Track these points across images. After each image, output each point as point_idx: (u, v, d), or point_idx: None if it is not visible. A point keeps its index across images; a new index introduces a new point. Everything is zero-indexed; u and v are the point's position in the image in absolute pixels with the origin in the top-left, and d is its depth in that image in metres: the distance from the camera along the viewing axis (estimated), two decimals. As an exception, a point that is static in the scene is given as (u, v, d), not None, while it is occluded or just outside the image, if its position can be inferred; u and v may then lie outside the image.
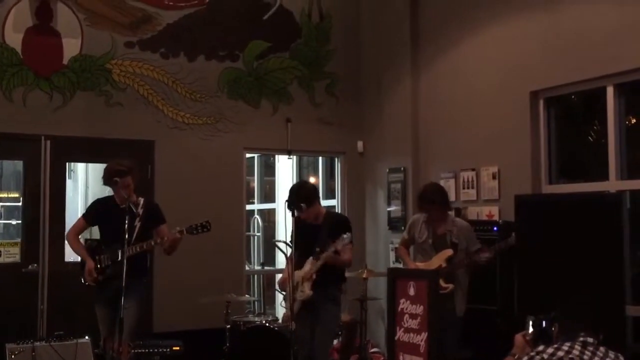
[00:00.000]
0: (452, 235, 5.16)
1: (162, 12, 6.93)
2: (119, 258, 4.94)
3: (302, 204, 5.03)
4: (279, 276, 5.96)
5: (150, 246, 5.16)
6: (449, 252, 5.13)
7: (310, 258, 5.07)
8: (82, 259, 5.28)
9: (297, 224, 5.07)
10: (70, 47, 6.57)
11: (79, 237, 5.45)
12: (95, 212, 5.40)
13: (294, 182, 8.74)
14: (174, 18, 6.97)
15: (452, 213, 5.55)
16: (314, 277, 5.00)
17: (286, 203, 5.10)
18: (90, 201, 8.72)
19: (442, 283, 4.99)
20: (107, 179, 5.26)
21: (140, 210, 5.22)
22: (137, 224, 5.18)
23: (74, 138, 6.56)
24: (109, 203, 5.28)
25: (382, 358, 6.60)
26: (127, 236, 4.81)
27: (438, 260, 5.14)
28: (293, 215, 5.05)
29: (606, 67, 5.11)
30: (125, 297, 4.69)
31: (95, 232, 5.78)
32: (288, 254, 5.23)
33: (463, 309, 5.16)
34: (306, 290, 5.03)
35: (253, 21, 7.35)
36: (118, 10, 6.78)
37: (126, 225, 4.81)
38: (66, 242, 5.70)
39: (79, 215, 8.71)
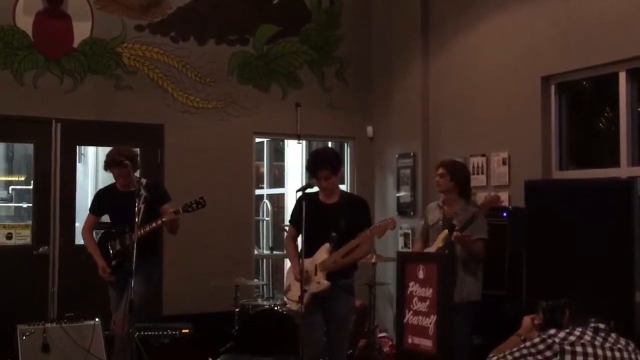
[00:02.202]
0: (456, 218, 4.97)
1: (172, -5, 6.92)
2: (127, 242, 5.14)
3: (327, 169, 4.57)
4: (288, 263, 5.43)
5: (154, 227, 5.18)
6: (444, 233, 4.97)
7: (327, 245, 4.60)
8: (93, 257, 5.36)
9: (308, 201, 4.49)
10: (81, 31, 6.57)
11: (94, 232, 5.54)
12: (98, 203, 5.45)
13: (304, 167, 8.76)
14: (184, 1, 6.95)
15: (468, 200, 5.24)
16: (331, 266, 4.56)
17: (310, 166, 4.66)
18: (100, 184, 8.79)
19: (321, 278, 4.66)
20: (107, 166, 5.37)
21: (143, 193, 5.24)
22: (142, 206, 5.13)
23: (84, 121, 6.58)
24: (111, 190, 5.32)
25: (390, 343, 6.62)
26: (137, 219, 4.86)
27: (437, 243, 5.05)
28: (308, 185, 4.56)
29: (618, 53, 5.07)
30: (135, 277, 4.79)
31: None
32: (290, 233, 4.87)
33: (466, 297, 4.89)
34: (322, 281, 4.56)
35: (263, 5, 7.32)
36: (128, -6, 6.78)
37: (137, 208, 4.85)
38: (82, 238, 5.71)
39: (89, 198, 8.78)
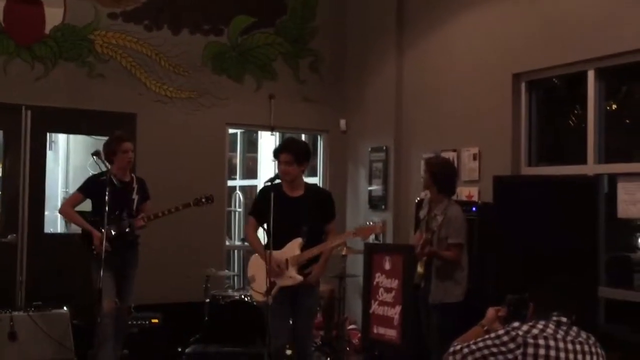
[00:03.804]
0: (434, 221, 4.91)
1: (146, -17, 6.87)
2: (127, 229, 5.30)
3: (290, 153, 4.61)
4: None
5: (165, 214, 5.41)
6: (423, 231, 4.98)
7: (299, 240, 4.61)
8: (84, 230, 5.28)
9: (274, 193, 4.51)
10: (53, 17, 6.50)
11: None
12: (93, 186, 5.32)
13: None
14: (158, -10, 6.91)
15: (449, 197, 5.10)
16: (304, 261, 4.61)
17: (275, 149, 4.71)
18: (71, 172, 8.73)
19: (418, 267, 4.83)
20: (110, 147, 5.36)
21: (135, 185, 5.35)
22: (135, 197, 5.42)
23: (55, 109, 6.51)
24: (105, 178, 5.16)
25: (359, 335, 6.67)
26: (134, 208, 5.38)
27: (418, 237, 5.04)
28: (277, 176, 4.63)
29: (587, 52, 5.15)
30: (131, 266, 5.37)
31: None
32: (250, 225, 4.85)
33: (439, 297, 4.80)
34: (295, 276, 4.59)
35: (238, -5, 7.31)
36: (102, -19, 6.71)
37: (133, 197, 5.38)
38: (60, 214, 5.72)
39: (59, 186, 8.66)
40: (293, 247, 4.64)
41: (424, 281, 4.92)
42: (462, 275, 4.91)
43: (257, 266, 4.78)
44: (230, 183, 8.33)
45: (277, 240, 4.50)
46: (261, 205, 4.69)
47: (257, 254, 4.83)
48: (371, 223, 4.70)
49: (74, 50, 6.56)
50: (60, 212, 5.67)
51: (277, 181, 4.66)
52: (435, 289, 4.84)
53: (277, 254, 4.55)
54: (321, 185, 7.81)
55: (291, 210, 4.58)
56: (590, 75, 5.25)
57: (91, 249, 5.14)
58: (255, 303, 5.31)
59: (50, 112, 6.51)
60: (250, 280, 4.85)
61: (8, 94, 6.30)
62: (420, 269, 4.91)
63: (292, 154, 4.65)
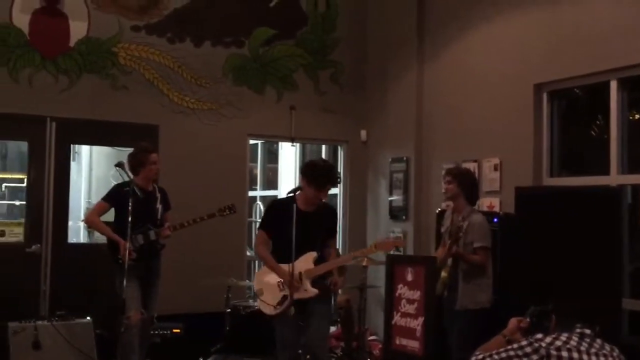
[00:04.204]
0: (459, 228, 4.95)
1: (169, -4, 6.95)
2: (152, 238, 5.38)
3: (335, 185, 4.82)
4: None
5: (192, 223, 5.52)
6: (446, 243, 5.01)
7: (313, 253, 4.74)
8: (110, 239, 5.31)
9: (286, 207, 4.63)
10: (77, 30, 6.59)
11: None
12: (118, 195, 5.34)
13: (298, 170, 8.80)
14: (181, 3, 6.99)
15: (474, 205, 5.23)
16: (317, 274, 4.73)
17: (322, 180, 4.73)
18: (94, 183, 8.83)
19: (442, 272, 4.91)
20: (138, 158, 5.43)
21: (158, 194, 5.42)
22: (159, 206, 5.50)
23: (79, 120, 6.59)
24: (130, 187, 5.19)
25: (380, 345, 6.65)
26: (158, 218, 5.48)
27: (441, 251, 5.11)
28: (299, 188, 4.73)
29: (610, 62, 5.12)
30: (155, 275, 5.47)
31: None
32: (262, 239, 4.88)
33: (466, 304, 4.87)
34: (310, 289, 4.68)
35: (259, 8, 7.36)
36: (125, -6, 6.81)
37: (157, 206, 5.49)
38: (86, 223, 5.77)
39: (82, 197, 8.75)
40: (307, 261, 4.73)
41: (447, 290, 4.95)
42: (487, 282, 4.96)
43: (265, 279, 4.86)
44: (250, 194, 8.37)
45: (289, 253, 4.54)
46: (273, 218, 4.82)
47: (264, 267, 4.92)
48: (391, 236, 4.74)
49: (98, 63, 6.65)
50: (86, 221, 5.72)
51: (285, 196, 4.78)
52: (462, 295, 4.89)
53: (288, 266, 4.61)
54: (342, 195, 7.84)
55: (303, 225, 4.60)
56: (613, 85, 5.22)
57: (117, 258, 5.16)
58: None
59: (74, 123, 6.60)
60: (259, 294, 4.88)
61: (33, 106, 6.40)
62: (444, 273, 4.94)
63: (335, 185, 4.89)
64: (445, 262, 4.97)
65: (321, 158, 7.19)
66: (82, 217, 8.36)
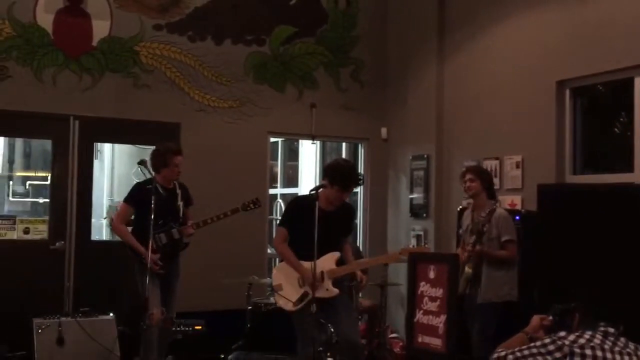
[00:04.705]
0: (483, 222, 5.02)
1: (190, -5, 6.99)
2: (175, 237, 5.37)
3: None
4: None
5: (215, 220, 5.47)
6: (471, 238, 5.06)
7: (336, 254, 4.81)
8: (136, 251, 5.24)
9: (309, 206, 4.61)
10: (100, 29, 6.65)
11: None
12: (139, 195, 5.32)
13: (318, 167, 8.82)
14: (202, 2, 7.02)
15: (495, 202, 5.27)
16: (339, 275, 4.80)
17: (347, 182, 4.74)
18: (116, 181, 8.91)
19: (466, 267, 4.96)
20: (163, 158, 5.38)
21: (179, 191, 5.42)
22: (180, 203, 5.46)
23: (101, 119, 6.65)
24: (151, 186, 5.17)
25: (401, 343, 6.65)
26: (180, 215, 5.44)
27: (461, 251, 5.13)
28: (322, 186, 4.71)
29: (634, 58, 5.07)
30: (175, 275, 5.42)
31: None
32: (282, 236, 4.89)
33: (489, 297, 4.97)
34: (332, 289, 4.76)
35: (280, 6, 7.38)
36: (147, -7, 6.85)
37: (179, 203, 5.43)
38: (114, 231, 5.69)
39: (105, 195, 8.81)
40: (330, 260, 4.78)
41: (470, 287, 4.96)
42: (513, 275, 5.03)
43: (284, 275, 4.89)
44: (271, 192, 8.39)
45: (310, 251, 4.51)
46: (294, 216, 4.86)
47: (282, 263, 4.96)
48: (420, 246, 4.82)
49: (120, 62, 6.71)
50: (114, 229, 5.63)
51: (308, 194, 4.75)
52: (486, 288, 4.97)
53: (310, 264, 4.61)
54: (362, 193, 7.84)
55: (325, 224, 4.58)
56: (637, 82, 5.17)
57: (140, 257, 5.18)
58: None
59: (97, 122, 6.66)
60: (277, 289, 4.90)
61: (57, 105, 6.47)
62: (468, 269, 4.97)
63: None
64: (468, 260, 4.99)
65: (343, 158, 7.20)
66: (105, 214, 8.47)
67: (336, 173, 4.74)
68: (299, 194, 9.22)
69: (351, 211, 5.12)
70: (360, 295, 6.07)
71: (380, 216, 7.78)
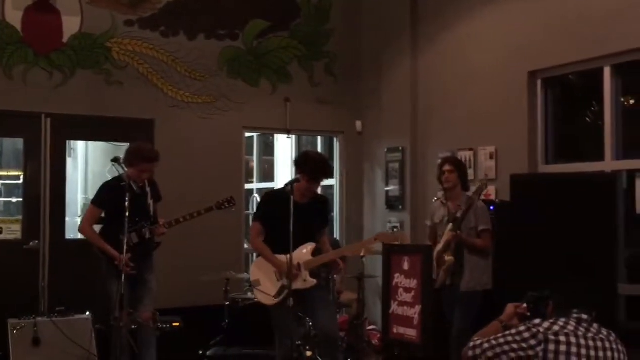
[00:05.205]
0: (459, 211, 5.06)
1: (162, -10, 6.92)
2: (146, 236, 5.24)
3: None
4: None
5: (187, 219, 5.35)
6: (449, 226, 5.08)
7: (312, 245, 4.84)
8: (105, 252, 5.15)
9: (282, 199, 4.65)
10: (70, 25, 6.57)
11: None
12: (108, 196, 5.25)
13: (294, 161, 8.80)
14: (173, -4, 6.97)
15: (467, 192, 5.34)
16: (316, 265, 4.81)
17: (317, 173, 4.76)
18: (90, 179, 8.81)
19: (445, 257, 5.00)
20: (135, 160, 5.19)
21: (148, 189, 5.33)
22: (150, 201, 5.35)
23: (74, 116, 6.58)
24: (119, 185, 5.08)
25: (379, 335, 6.67)
26: (151, 214, 5.31)
27: (445, 236, 5.13)
28: (296, 180, 4.70)
29: (603, 48, 5.14)
30: (150, 271, 5.28)
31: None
32: (257, 230, 4.90)
33: (473, 285, 5.03)
34: (309, 279, 4.78)
35: (253, 0, 7.34)
36: (118, -11, 6.78)
37: (149, 202, 5.29)
38: (81, 233, 5.50)
39: (79, 193, 8.71)
40: (305, 251, 4.81)
41: (451, 277, 4.99)
42: (489, 264, 5.10)
43: (262, 270, 4.90)
44: (247, 186, 8.38)
45: (285, 244, 4.50)
46: (268, 211, 4.89)
47: (260, 259, 4.96)
48: (395, 232, 4.85)
49: (92, 58, 6.63)
50: (81, 231, 5.46)
51: (287, 186, 4.72)
52: (470, 277, 5.04)
53: (285, 257, 4.61)
54: (338, 186, 7.85)
55: (299, 216, 4.56)
56: (607, 71, 5.24)
57: (109, 258, 5.10)
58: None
59: (70, 119, 6.58)
60: (255, 284, 4.91)
61: (28, 103, 6.38)
62: (448, 257, 5.00)
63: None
64: (448, 247, 5.01)
65: (314, 150, 7.22)
66: (79, 213, 8.37)
67: (305, 164, 4.79)
68: (275, 188, 9.22)
69: (326, 203, 5.13)
70: (340, 283, 6.10)
71: (356, 209, 7.81)
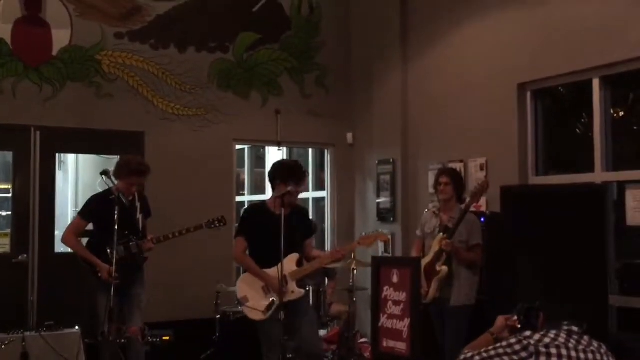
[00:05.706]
0: (451, 221, 5.03)
1: (151, 3, 6.92)
2: (133, 251, 5.18)
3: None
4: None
5: (177, 235, 5.33)
6: (439, 236, 5.04)
7: (296, 255, 4.84)
8: (89, 262, 5.14)
9: (261, 212, 4.80)
10: (60, 38, 6.56)
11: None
12: (96, 206, 5.24)
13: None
14: (164, 9, 6.98)
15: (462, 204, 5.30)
16: (302, 275, 4.84)
17: (294, 174, 4.81)
18: (81, 192, 8.77)
19: (438, 267, 4.97)
20: (125, 173, 5.17)
21: (138, 203, 5.30)
22: (139, 216, 5.32)
23: (64, 129, 6.56)
24: (108, 198, 5.07)
25: (370, 348, 6.64)
26: (140, 228, 5.25)
27: (434, 247, 5.10)
28: (287, 193, 4.70)
29: (592, 60, 5.16)
30: (141, 285, 5.25)
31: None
32: (241, 246, 4.91)
33: (462, 300, 4.98)
34: (297, 290, 4.81)
35: (243, 13, 7.36)
36: (108, 1, 6.77)
37: (138, 216, 5.25)
38: (63, 243, 5.49)
39: (69, 206, 8.66)
40: (290, 263, 4.80)
41: (440, 291, 4.98)
42: (477, 279, 5.09)
43: (249, 285, 4.88)
44: (238, 199, 8.36)
45: (270, 258, 4.59)
46: (250, 225, 4.90)
47: (246, 274, 4.94)
48: (372, 233, 4.86)
49: (82, 71, 6.63)
50: (63, 240, 5.44)
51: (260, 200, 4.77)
52: (459, 291, 5.00)
53: (274, 271, 4.65)
54: (329, 199, 7.85)
55: (280, 228, 4.57)
56: (596, 83, 5.26)
57: (95, 272, 5.09)
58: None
59: (59, 132, 6.56)
60: (243, 301, 4.88)
61: (17, 115, 6.36)
62: (440, 268, 4.97)
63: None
64: (439, 258, 4.99)
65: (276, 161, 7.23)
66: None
67: (285, 172, 4.85)
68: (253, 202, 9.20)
69: (305, 212, 5.20)
70: (331, 295, 6.08)
71: (347, 221, 7.80)
